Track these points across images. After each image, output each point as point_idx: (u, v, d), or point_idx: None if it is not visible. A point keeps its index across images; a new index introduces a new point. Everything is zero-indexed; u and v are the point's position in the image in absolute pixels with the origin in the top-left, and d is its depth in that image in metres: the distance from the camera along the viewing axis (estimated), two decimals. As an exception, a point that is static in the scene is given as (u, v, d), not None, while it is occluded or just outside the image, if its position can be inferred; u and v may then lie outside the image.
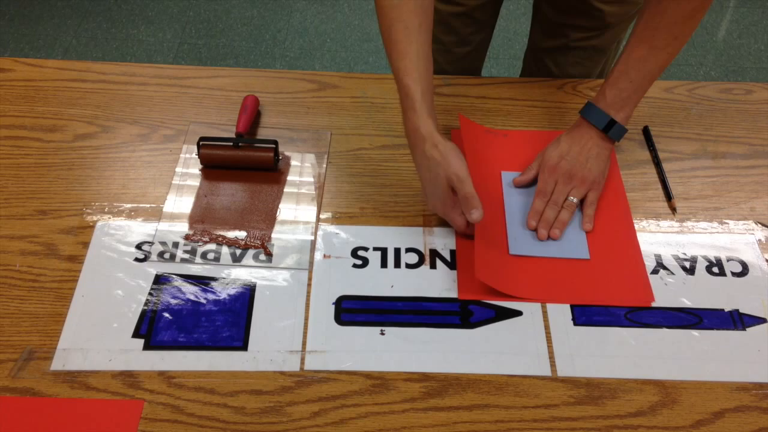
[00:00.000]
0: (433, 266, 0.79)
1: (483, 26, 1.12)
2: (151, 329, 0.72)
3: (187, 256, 0.79)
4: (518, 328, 0.74)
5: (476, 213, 0.74)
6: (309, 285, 0.77)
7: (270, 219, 0.83)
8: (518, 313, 0.75)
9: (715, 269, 0.80)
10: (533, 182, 0.86)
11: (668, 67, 0.82)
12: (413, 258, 0.80)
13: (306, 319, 0.74)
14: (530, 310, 0.75)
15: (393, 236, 0.82)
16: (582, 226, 0.82)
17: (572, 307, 0.75)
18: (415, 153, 0.77)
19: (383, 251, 0.80)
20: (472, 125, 0.93)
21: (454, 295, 0.76)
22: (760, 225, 0.84)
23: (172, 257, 0.79)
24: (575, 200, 0.82)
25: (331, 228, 0.82)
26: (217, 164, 0.88)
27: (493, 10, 1.11)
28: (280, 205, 0.85)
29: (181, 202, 0.84)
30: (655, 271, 0.79)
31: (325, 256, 0.79)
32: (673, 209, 0.86)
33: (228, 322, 0.73)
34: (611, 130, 0.82)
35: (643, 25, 0.80)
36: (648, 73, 0.81)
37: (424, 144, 0.75)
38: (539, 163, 0.86)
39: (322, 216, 0.84)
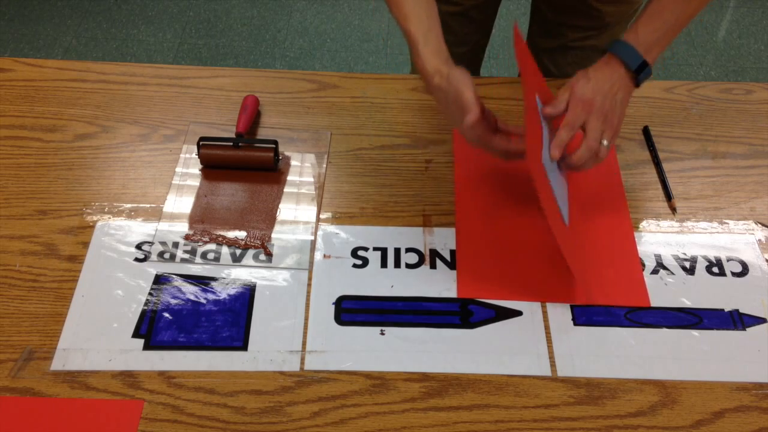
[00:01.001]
0: (433, 266, 0.79)
1: (480, 26, 1.12)
2: (151, 329, 0.72)
3: (187, 256, 0.79)
4: (518, 328, 0.74)
5: (470, 116, 0.71)
6: (309, 285, 0.77)
7: (270, 219, 0.83)
8: (518, 313, 0.75)
9: (715, 269, 0.80)
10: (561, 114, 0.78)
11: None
12: (413, 258, 0.80)
13: (306, 319, 0.74)
14: (530, 310, 0.75)
15: (393, 236, 0.82)
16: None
17: (572, 307, 0.75)
18: (429, 91, 0.77)
19: (383, 251, 0.80)
20: (524, 46, 0.83)
21: (454, 295, 0.76)
22: (760, 225, 0.84)
23: (172, 257, 0.79)
24: (607, 144, 0.75)
25: (331, 228, 0.82)
26: (217, 164, 0.88)
27: (491, 11, 1.11)
28: (280, 205, 0.85)
29: (181, 202, 0.84)
30: (655, 271, 0.79)
31: (325, 256, 0.79)
32: (673, 209, 0.86)
33: (228, 322, 0.73)
34: (642, 72, 0.77)
35: None
36: (681, 16, 0.76)
37: (432, 79, 0.75)
38: (569, 95, 0.77)
39: (322, 216, 0.84)
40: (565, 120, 0.75)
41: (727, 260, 0.80)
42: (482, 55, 1.20)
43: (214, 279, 0.77)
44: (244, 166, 0.88)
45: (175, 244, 0.80)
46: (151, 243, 0.80)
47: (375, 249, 0.80)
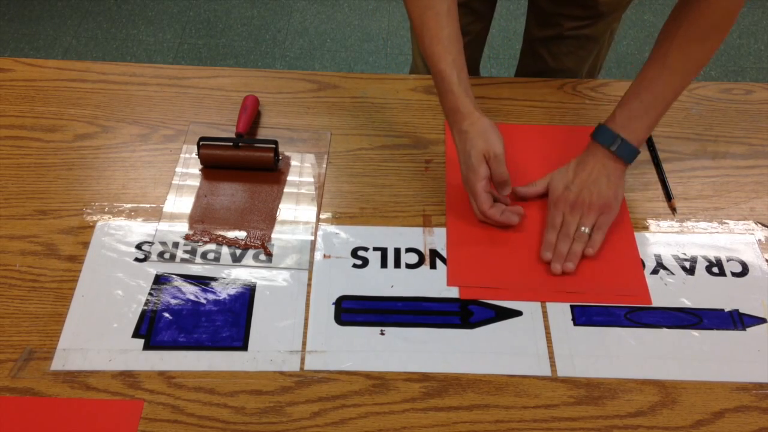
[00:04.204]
0: (433, 266, 0.79)
1: (481, 17, 1.14)
2: (151, 329, 0.72)
3: (187, 256, 0.79)
4: (518, 328, 0.74)
5: (507, 189, 0.80)
6: (309, 285, 0.77)
7: (270, 219, 0.83)
8: (518, 313, 0.75)
9: (715, 269, 0.80)
10: (538, 197, 0.85)
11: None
12: (413, 258, 0.80)
13: (306, 319, 0.74)
14: (530, 310, 0.75)
15: (393, 236, 0.82)
16: (584, 250, 0.79)
17: (572, 306, 0.75)
18: (453, 129, 0.80)
19: (383, 251, 0.80)
20: None
21: (454, 295, 0.76)
22: (760, 225, 0.84)
23: (172, 257, 0.79)
24: (586, 230, 0.80)
25: (331, 228, 0.82)
26: (217, 164, 0.88)
27: (491, 2, 1.12)
28: (280, 205, 0.85)
29: (181, 202, 0.84)
30: (655, 271, 0.79)
31: (325, 256, 0.79)
32: (673, 209, 0.86)
33: (228, 322, 0.73)
34: (619, 148, 0.80)
35: (657, 46, 0.79)
36: (660, 94, 0.79)
37: (464, 121, 0.78)
38: (545, 186, 0.85)
39: (322, 216, 0.84)
40: (547, 222, 0.82)
41: (727, 260, 0.80)
42: (483, 46, 1.22)
43: (214, 279, 0.77)
44: (244, 166, 0.88)
45: (175, 244, 0.80)
46: (151, 243, 0.80)
47: (375, 249, 0.80)
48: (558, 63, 1.14)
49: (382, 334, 0.73)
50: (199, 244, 0.80)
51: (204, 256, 0.79)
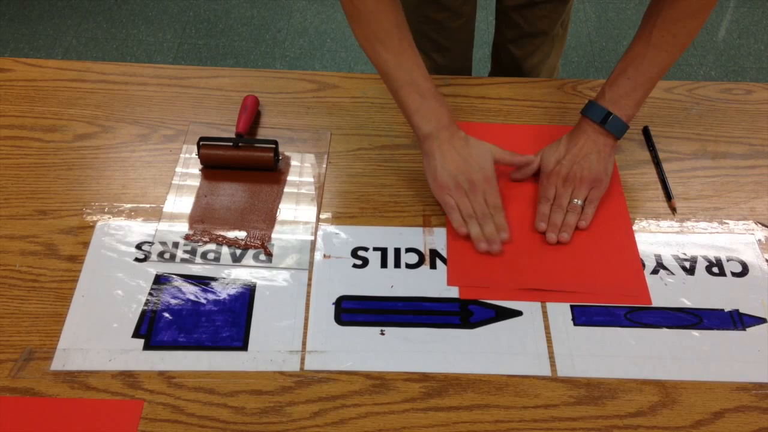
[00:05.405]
0: (433, 266, 0.79)
1: None
2: (151, 329, 0.72)
3: (187, 256, 0.79)
4: (518, 328, 0.74)
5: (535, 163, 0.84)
6: (309, 285, 0.77)
7: (270, 219, 0.83)
8: (518, 313, 0.75)
9: (715, 269, 0.80)
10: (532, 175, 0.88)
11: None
12: (413, 258, 0.80)
13: (306, 319, 0.74)
14: (530, 310, 0.75)
15: (393, 236, 0.82)
16: (578, 222, 0.82)
17: (572, 306, 0.75)
18: (450, 140, 0.81)
19: (383, 251, 0.80)
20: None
21: (454, 295, 0.76)
22: (760, 225, 0.84)
23: (172, 257, 0.79)
24: (579, 202, 0.82)
25: (331, 228, 0.82)
26: (217, 164, 0.88)
27: None
28: (280, 205, 0.85)
29: (181, 202, 0.84)
30: (655, 271, 0.79)
31: (325, 256, 0.79)
32: (673, 209, 0.86)
33: (228, 322, 0.73)
34: (608, 123, 0.82)
35: (642, 25, 0.82)
36: (646, 71, 0.81)
37: (459, 131, 0.81)
38: (536, 165, 0.86)
39: (322, 216, 0.84)
40: (539, 195, 0.85)
41: (727, 260, 0.80)
42: (474, 26, 1.23)
43: (214, 279, 0.77)
44: (244, 166, 0.88)
45: (175, 244, 0.80)
46: (151, 243, 0.80)
47: (375, 249, 0.80)
48: (532, 27, 1.17)
49: (382, 334, 0.73)
50: (199, 244, 0.80)
51: (204, 256, 0.79)
